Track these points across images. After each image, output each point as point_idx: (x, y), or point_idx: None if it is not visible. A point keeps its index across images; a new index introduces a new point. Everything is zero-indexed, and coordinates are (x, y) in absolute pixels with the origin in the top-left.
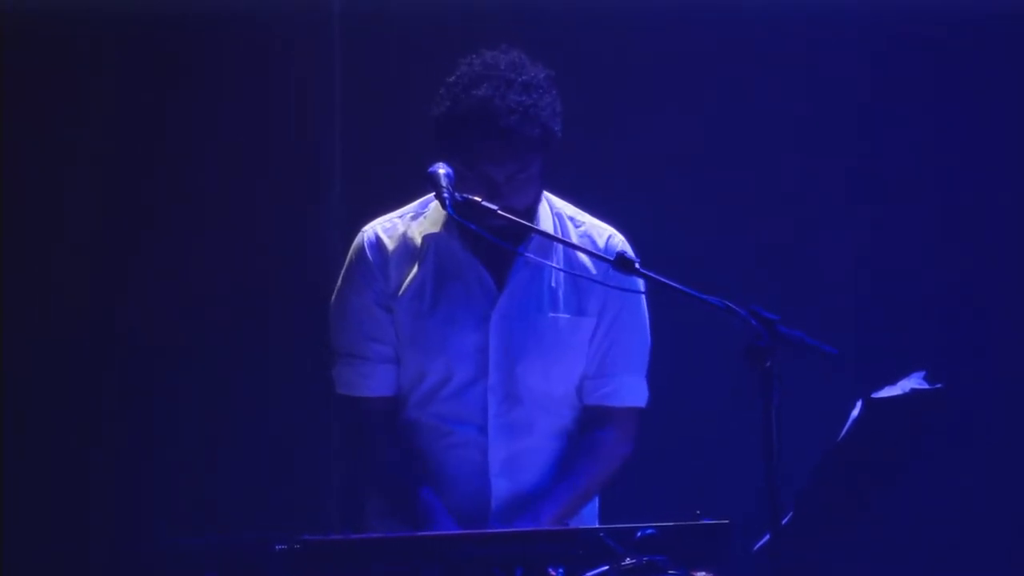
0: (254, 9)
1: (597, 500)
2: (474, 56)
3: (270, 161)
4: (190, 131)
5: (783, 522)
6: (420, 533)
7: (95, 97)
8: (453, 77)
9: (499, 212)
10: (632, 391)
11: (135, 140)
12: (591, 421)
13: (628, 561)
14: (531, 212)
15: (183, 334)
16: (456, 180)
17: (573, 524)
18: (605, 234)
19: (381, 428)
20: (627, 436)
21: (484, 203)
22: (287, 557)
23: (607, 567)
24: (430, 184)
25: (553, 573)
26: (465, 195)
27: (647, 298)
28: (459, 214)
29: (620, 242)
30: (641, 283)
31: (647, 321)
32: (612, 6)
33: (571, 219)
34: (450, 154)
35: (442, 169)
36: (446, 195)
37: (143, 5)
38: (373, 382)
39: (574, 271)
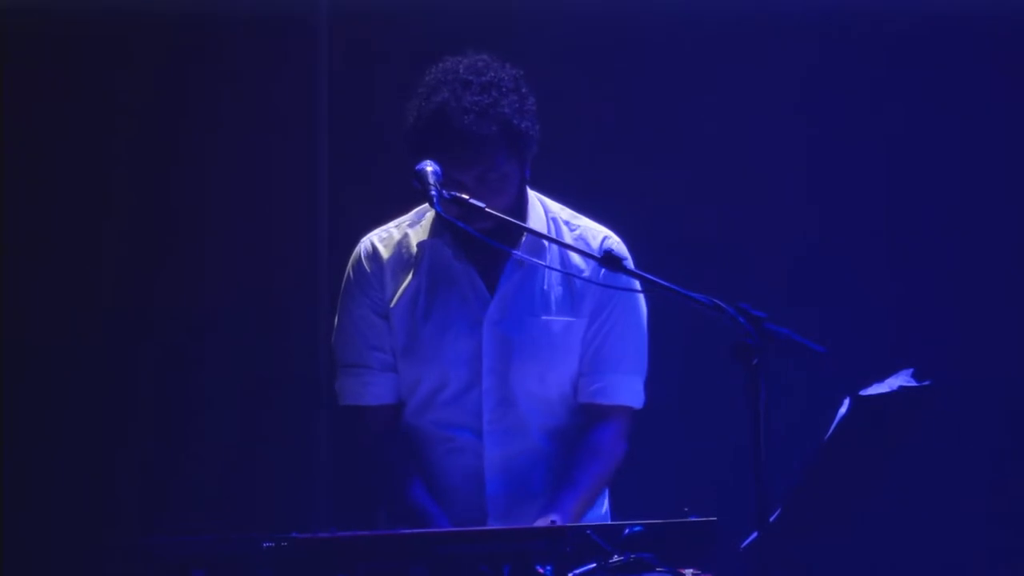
0: (242, 12)
1: (607, 497)
2: (436, 64)
3: (257, 167)
4: (181, 132)
5: (771, 519)
6: (408, 531)
7: (82, 97)
8: (419, 88)
9: (487, 210)
10: (622, 389)
11: (122, 141)
12: (587, 420)
13: (616, 558)
14: (519, 213)
15: (174, 334)
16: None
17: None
18: (600, 236)
19: (386, 437)
20: (621, 435)
21: (471, 200)
22: (275, 555)
23: (595, 564)
24: (417, 181)
25: (541, 571)
26: (453, 192)
27: (647, 300)
28: (448, 213)
29: (616, 243)
30: (636, 283)
31: (643, 323)
32: (605, 6)
33: (567, 223)
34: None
35: (429, 167)
36: (433, 192)
37: (129, 8)
38: (377, 389)
39: (568, 271)
